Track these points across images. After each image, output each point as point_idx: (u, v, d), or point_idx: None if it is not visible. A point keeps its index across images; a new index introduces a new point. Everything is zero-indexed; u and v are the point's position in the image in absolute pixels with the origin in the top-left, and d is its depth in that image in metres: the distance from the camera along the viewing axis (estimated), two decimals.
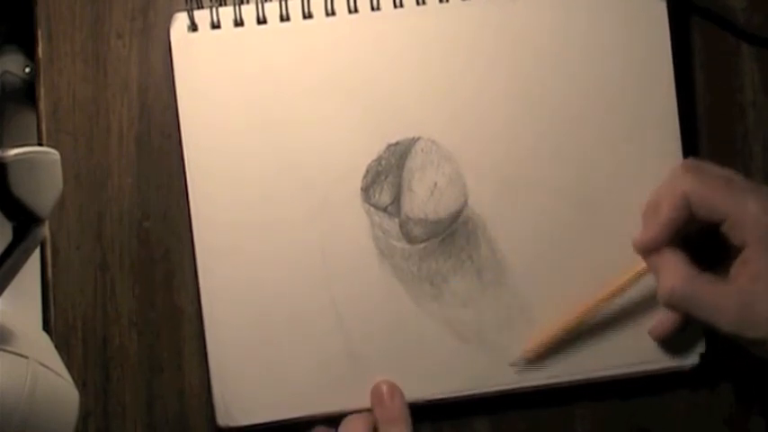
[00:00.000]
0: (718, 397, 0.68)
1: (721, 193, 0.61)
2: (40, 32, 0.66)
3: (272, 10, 0.64)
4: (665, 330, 0.65)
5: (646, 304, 0.65)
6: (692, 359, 0.66)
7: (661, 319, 0.65)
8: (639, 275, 0.64)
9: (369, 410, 0.64)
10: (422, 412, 0.65)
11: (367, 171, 0.64)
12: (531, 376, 0.65)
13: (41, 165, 0.48)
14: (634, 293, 0.65)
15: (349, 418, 0.64)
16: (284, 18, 0.64)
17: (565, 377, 0.65)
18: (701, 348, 0.66)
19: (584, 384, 0.66)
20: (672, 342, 0.66)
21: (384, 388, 0.64)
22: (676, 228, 0.62)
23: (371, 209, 0.64)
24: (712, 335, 0.67)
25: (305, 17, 0.64)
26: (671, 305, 0.62)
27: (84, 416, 0.64)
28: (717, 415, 0.68)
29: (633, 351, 0.66)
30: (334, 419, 0.64)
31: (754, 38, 0.69)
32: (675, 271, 0.62)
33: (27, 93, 0.78)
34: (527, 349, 0.65)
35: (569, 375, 0.65)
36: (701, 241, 0.63)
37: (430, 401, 0.65)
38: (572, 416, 0.67)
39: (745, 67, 0.69)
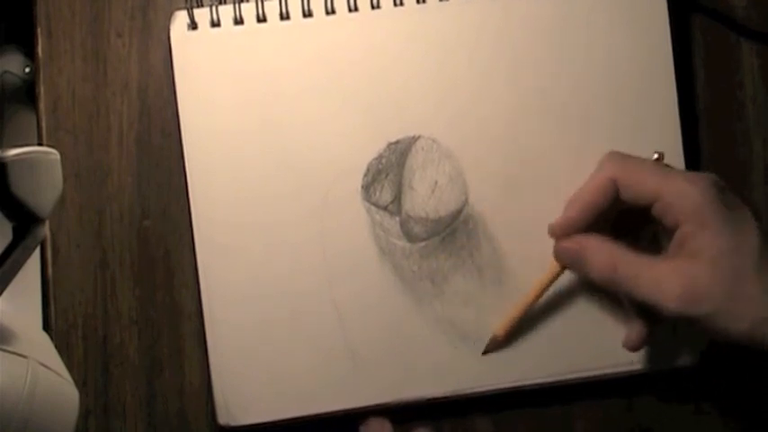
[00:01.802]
0: (718, 396, 0.68)
1: (650, 175, 0.60)
2: (39, 31, 0.66)
3: (271, 8, 0.64)
4: (638, 337, 0.64)
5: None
6: (691, 358, 0.66)
7: (630, 328, 0.64)
8: None
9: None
10: (422, 412, 0.65)
11: (367, 169, 0.64)
12: (532, 375, 0.65)
13: (41, 165, 0.48)
14: None
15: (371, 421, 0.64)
16: (284, 17, 0.64)
17: (565, 376, 0.65)
18: (700, 347, 0.66)
19: (585, 383, 0.66)
20: (673, 341, 0.66)
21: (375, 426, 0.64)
22: (597, 212, 0.62)
23: (372, 207, 0.64)
24: None
25: (305, 16, 0.64)
26: (611, 284, 0.61)
27: (85, 415, 0.64)
28: (717, 414, 0.68)
29: None
30: (335, 419, 0.64)
31: (754, 34, 0.69)
32: (612, 251, 0.61)
33: (27, 92, 0.78)
34: (497, 331, 0.64)
35: (569, 374, 0.65)
36: (630, 234, 0.63)
37: (430, 401, 0.65)
38: (572, 415, 0.67)
39: (745, 64, 0.69)
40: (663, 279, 0.59)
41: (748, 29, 0.69)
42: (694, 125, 0.69)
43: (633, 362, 0.65)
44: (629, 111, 0.66)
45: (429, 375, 0.64)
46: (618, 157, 0.62)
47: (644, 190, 0.60)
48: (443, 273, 0.65)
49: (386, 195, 0.64)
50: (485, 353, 0.65)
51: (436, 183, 0.65)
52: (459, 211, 0.65)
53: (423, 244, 0.65)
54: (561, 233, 0.63)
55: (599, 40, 0.65)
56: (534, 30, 0.65)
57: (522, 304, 0.64)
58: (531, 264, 0.65)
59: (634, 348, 0.64)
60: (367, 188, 0.64)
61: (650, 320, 0.63)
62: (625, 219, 0.63)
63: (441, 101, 0.64)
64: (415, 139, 0.64)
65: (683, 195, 0.59)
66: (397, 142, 0.64)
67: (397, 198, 0.64)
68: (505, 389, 0.65)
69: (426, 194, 0.65)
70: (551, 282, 0.64)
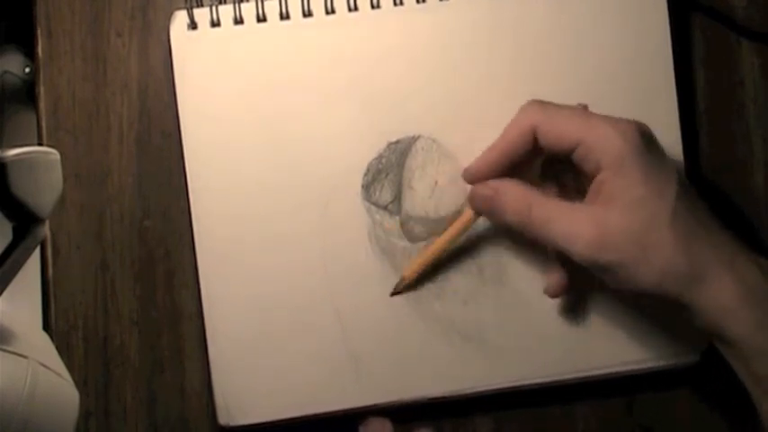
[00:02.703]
0: (719, 394, 0.68)
1: (572, 119, 0.59)
2: (39, 31, 0.66)
3: (271, 8, 0.64)
4: (558, 284, 0.63)
5: (647, 301, 0.65)
6: (693, 356, 0.66)
7: (550, 274, 0.64)
8: None
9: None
10: (422, 412, 0.65)
11: (367, 169, 0.64)
12: (532, 375, 0.65)
13: (41, 165, 0.48)
14: None
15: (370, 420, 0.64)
16: (284, 16, 0.64)
17: (566, 375, 0.65)
18: (702, 346, 0.66)
19: (586, 382, 0.66)
20: (673, 339, 0.66)
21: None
22: (514, 159, 0.61)
23: (372, 207, 0.64)
24: None
25: (305, 15, 0.64)
26: (523, 226, 0.60)
27: (85, 415, 0.64)
28: (718, 412, 0.68)
29: (634, 349, 0.65)
30: (335, 419, 0.64)
31: (754, 34, 0.69)
32: (527, 195, 0.60)
33: (27, 93, 0.78)
34: (405, 272, 0.64)
35: (570, 374, 0.65)
36: (556, 183, 0.62)
37: (430, 401, 0.65)
38: (572, 415, 0.67)
39: (745, 64, 0.69)
40: (575, 224, 0.58)
41: (748, 29, 0.69)
42: (694, 125, 0.69)
43: (634, 361, 0.65)
44: (629, 111, 0.65)
45: (429, 375, 0.64)
46: (537, 103, 0.61)
47: (564, 135, 0.59)
48: (443, 272, 0.65)
49: (386, 195, 0.64)
50: (393, 294, 0.64)
51: (436, 182, 0.65)
52: (459, 212, 0.65)
53: (423, 243, 0.65)
54: (475, 178, 0.62)
55: (599, 40, 0.65)
56: (534, 29, 0.65)
57: (433, 249, 0.64)
58: (531, 263, 0.65)
59: (554, 295, 0.64)
60: (367, 188, 0.64)
61: (570, 267, 0.63)
62: (552, 168, 0.62)
63: (441, 101, 0.64)
64: (415, 139, 0.64)
65: (605, 140, 0.58)
66: (397, 142, 0.64)
67: (398, 198, 0.64)
68: (505, 389, 0.65)
69: (426, 194, 0.65)
70: (465, 228, 0.63)
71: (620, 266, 0.57)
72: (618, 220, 0.57)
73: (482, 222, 0.64)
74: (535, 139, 0.60)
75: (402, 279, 0.64)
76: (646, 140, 0.58)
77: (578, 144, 0.58)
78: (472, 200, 0.62)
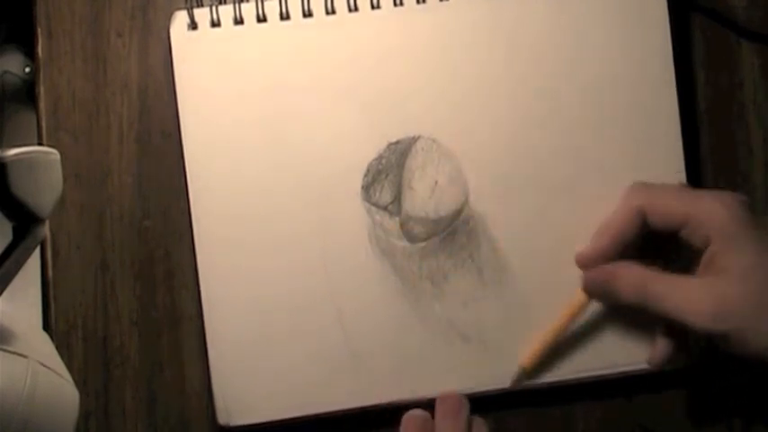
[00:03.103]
0: (719, 395, 0.68)
1: (676, 198, 0.61)
2: (39, 31, 0.66)
3: (271, 8, 0.64)
4: (661, 356, 0.64)
5: None
6: (691, 358, 0.66)
7: (655, 346, 0.64)
8: None
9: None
10: None
11: (367, 170, 0.64)
12: (532, 375, 0.65)
13: (41, 165, 0.48)
14: None
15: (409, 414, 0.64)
16: (284, 16, 0.64)
17: (565, 376, 0.65)
18: (701, 345, 0.66)
19: (585, 383, 0.66)
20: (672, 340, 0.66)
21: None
22: (625, 242, 0.62)
23: (372, 207, 0.64)
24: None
25: (305, 15, 0.64)
26: (640, 303, 0.61)
27: (85, 415, 0.64)
28: (718, 413, 0.68)
29: (634, 349, 0.65)
30: (334, 419, 0.64)
31: (754, 35, 0.69)
32: (641, 273, 0.61)
33: (27, 93, 0.78)
34: (523, 362, 0.64)
35: (570, 375, 0.65)
36: (660, 259, 0.63)
37: (430, 401, 0.65)
38: (572, 415, 0.67)
39: (745, 64, 0.69)
40: (693, 297, 0.59)
41: (748, 29, 0.69)
42: (695, 126, 0.69)
43: (634, 361, 0.65)
44: (630, 112, 0.66)
45: (429, 376, 0.64)
46: (642, 185, 0.63)
47: (672, 214, 0.61)
48: (443, 273, 0.65)
49: (386, 196, 0.64)
50: (513, 385, 0.65)
51: (436, 183, 0.65)
52: (459, 212, 0.65)
53: (423, 244, 0.65)
54: (590, 264, 0.63)
55: (599, 40, 0.65)
56: (534, 30, 0.65)
57: (548, 336, 0.64)
58: (532, 264, 0.65)
59: (657, 366, 0.64)
60: (367, 188, 0.64)
61: (675, 339, 0.64)
62: (653, 245, 0.63)
63: (441, 101, 0.64)
64: (415, 140, 0.64)
65: (711, 214, 0.60)
66: (397, 142, 0.64)
67: (397, 198, 0.64)
68: (505, 389, 0.65)
69: (426, 195, 0.65)
70: (579, 312, 0.64)
71: (740, 334, 0.58)
72: (734, 289, 0.58)
73: (483, 220, 0.64)
74: (642, 223, 0.62)
75: (520, 370, 0.64)
76: (746, 209, 0.60)
77: (685, 222, 0.60)
78: (588, 286, 0.64)
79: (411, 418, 0.64)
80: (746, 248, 0.59)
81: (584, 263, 0.64)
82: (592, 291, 0.64)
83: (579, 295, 0.64)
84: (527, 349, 0.64)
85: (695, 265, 0.61)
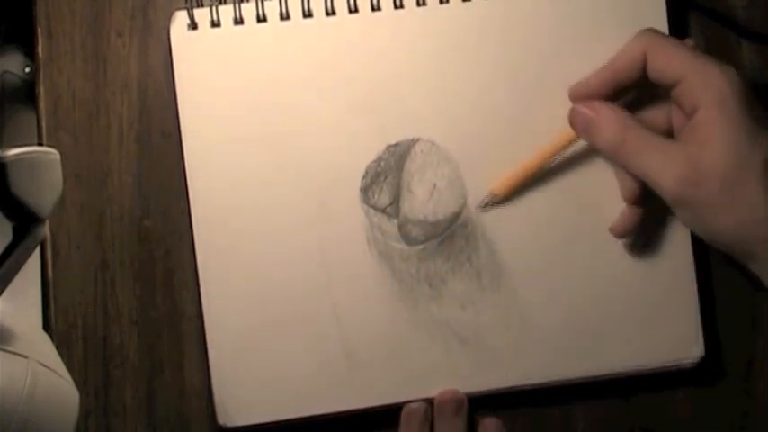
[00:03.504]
0: (718, 395, 0.68)
1: (681, 53, 0.60)
2: (39, 31, 0.66)
3: (271, 8, 0.64)
4: (627, 224, 0.64)
5: (646, 302, 0.65)
6: (692, 357, 0.66)
7: (622, 215, 0.64)
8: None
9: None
10: None
11: (366, 172, 0.64)
12: (531, 377, 0.65)
13: (41, 165, 0.48)
14: (634, 289, 0.65)
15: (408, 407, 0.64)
16: (284, 17, 0.64)
17: (565, 376, 0.65)
18: (701, 346, 0.66)
19: (585, 383, 0.66)
20: (672, 340, 0.66)
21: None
22: (621, 84, 0.61)
23: (370, 210, 0.64)
24: (712, 333, 0.67)
25: (305, 16, 0.64)
26: (614, 152, 0.60)
27: (85, 415, 0.64)
28: (717, 413, 0.68)
29: (633, 349, 0.65)
30: (333, 420, 0.64)
31: (754, 34, 0.69)
32: (624, 122, 0.60)
33: (27, 93, 0.78)
34: (495, 187, 0.64)
35: (570, 374, 0.65)
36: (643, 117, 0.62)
37: (429, 402, 0.65)
38: (572, 415, 0.67)
39: (745, 64, 0.69)
40: (667, 158, 0.58)
41: (748, 29, 0.69)
42: None
43: (633, 361, 0.65)
44: (629, 111, 0.66)
45: (427, 377, 0.64)
46: (651, 32, 0.62)
47: (671, 66, 0.59)
48: (441, 276, 0.65)
49: (384, 198, 0.64)
50: (482, 208, 0.64)
51: (435, 186, 0.65)
52: (458, 215, 0.65)
53: (421, 247, 0.65)
54: (579, 96, 0.62)
55: (598, 41, 0.65)
56: (534, 32, 0.65)
57: (526, 164, 0.64)
58: (530, 267, 0.65)
59: (620, 235, 0.64)
60: (365, 190, 0.64)
61: (642, 208, 0.63)
62: (641, 103, 0.63)
63: (440, 103, 0.64)
64: (414, 142, 0.64)
65: (710, 78, 0.58)
66: (396, 145, 0.64)
67: (396, 201, 0.64)
68: (505, 389, 0.65)
69: (425, 197, 0.65)
70: (560, 148, 0.64)
71: (704, 206, 0.57)
72: (711, 160, 0.57)
73: (482, 224, 0.64)
74: (642, 68, 0.60)
75: (491, 194, 0.64)
76: (747, 87, 0.58)
77: (682, 78, 0.59)
78: (572, 118, 0.62)
79: (411, 411, 0.64)
80: (734, 122, 0.57)
81: (575, 93, 0.63)
82: (575, 123, 0.62)
83: (565, 130, 0.63)
84: (501, 176, 0.64)
85: (677, 131, 0.60)
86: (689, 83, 0.59)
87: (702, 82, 0.58)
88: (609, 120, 0.61)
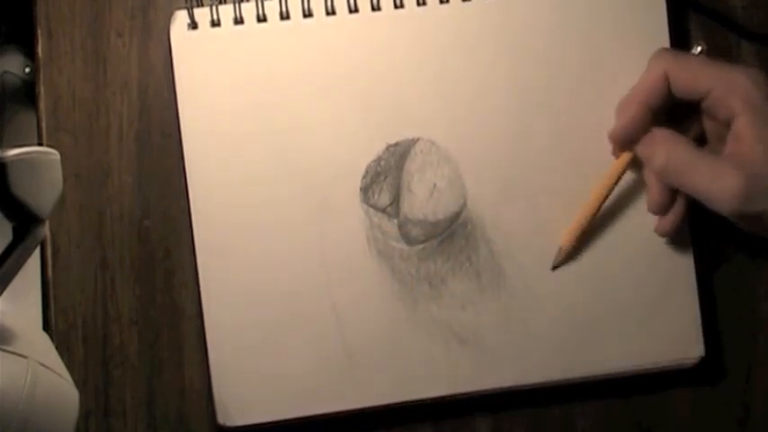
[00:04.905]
0: (718, 394, 0.68)
1: (702, 67, 0.60)
2: (39, 31, 0.66)
3: (272, 8, 0.64)
4: (671, 223, 0.63)
5: (646, 302, 0.65)
6: (692, 357, 0.66)
7: (665, 216, 0.63)
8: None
9: None
10: (422, 412, 0.65)
11: (366, 171, 0.64)
12: (530, 377, 0.65)
13: (41, 165, 0.48)
14: (634, 289, 0.65)
15: None
16: (284, 16, 0.64)
17: (565, 376, 0.65)
18: (701, 346, 0.66)
19: (585, 383, 0.66)
20: (673, 340, 0.66)
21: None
22: (652, 108, 0.61)
23: (370, 209, 0.64)
24: (712, 332, 0.67)
25: (305, 16, 0.64)
26: (668, 174, 0.60)
27: (85, 415, 0.64)
28: (718, 412, 0.68)
29: (633, 349, 0.65)
30: (333, 420, 0.64)
31: (754, 35, 0.69)
32: (672, 141, 0.60)
33: (27, 93, 0.78)
34: (562, 242, 0.64)
35: (570, 374, 0.65)
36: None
37: (428, 402, 0.65)
38: (572, 414, 0.67)
39: (745, 64, 0.69)
40: (722, 171, 0.57)
41: (748, 29, 0.69)
42: None
43: (634, 361, 0.65)
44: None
45: (426, 377, 0.64)
46: (667, 52, 0.62)
47: (696, 80, 0.59)
48: (441, 275, 0.65)
49: (384, 198, 0.64)
50: (554, 267, 0.64)
51: (435, 185, 0.65)
52: (458, 214, 0.65)
53: (421, 247, 0.65)
54: (623, 138, 0.62)
55: (598, 41, 0.65)
56: (533, 32, 0.65)
57: (586, 213, 0.64)
58: (530, 267, 0.65)
59: (664, 234, 0.63)
60: (365, 190, 0.64)
61: (686, 208, 0.63)
62: (673, 120, 0.62)
63: (440, 103, 0.64)
64: (414, 142, 0.64)
65: (737, 85, 0.58)
66: (396, 144, 0.64)
67: (396, 200, 0.64)
68: (505, 389, 0.65)
69: (425, 197, 0.65)
70: (612, 187, 0.64)
71: (765, 215, 0.57)
72: (760, 168, 0.56)
73: (482, 223, 0.64)
74: (667, 89, 0.60)
75: (560, 249, 0.64)
76: None
77: (709, 91, 0.59)
78: (618, 136, 0.62)
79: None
80: None
81: (617, 137, 0.62)
82: (621, 139, 0.61)
83: (613, 170, 0.63)
84: (565, 231, 0.64)
85: (713, 142, 0.59)
86: (716, 93, 0.59)
87: (729, 90, 0.58)
88: (660, 140, 0.60)
